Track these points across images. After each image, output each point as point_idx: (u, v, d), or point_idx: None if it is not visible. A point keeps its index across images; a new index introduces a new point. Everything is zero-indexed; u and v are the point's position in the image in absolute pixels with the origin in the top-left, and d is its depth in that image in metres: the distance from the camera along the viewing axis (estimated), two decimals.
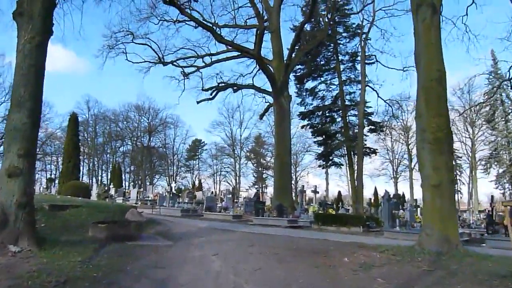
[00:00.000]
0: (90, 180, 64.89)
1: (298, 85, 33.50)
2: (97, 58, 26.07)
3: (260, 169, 68.91)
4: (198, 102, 26.19)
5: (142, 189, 33.86)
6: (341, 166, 34.55)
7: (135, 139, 71.08)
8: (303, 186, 19.38)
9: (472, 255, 8.45)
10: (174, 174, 74.56)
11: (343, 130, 31.03)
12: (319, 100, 33.15)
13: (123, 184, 67.23)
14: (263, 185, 69.41)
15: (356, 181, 26.77)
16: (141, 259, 7.82)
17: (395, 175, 63.83)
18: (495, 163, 45.82)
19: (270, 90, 25.37)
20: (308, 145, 61.24)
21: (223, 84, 25.97)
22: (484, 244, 12.46)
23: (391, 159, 63.07)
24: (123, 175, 72.26)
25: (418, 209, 18.95)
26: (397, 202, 16.71)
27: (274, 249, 9.24)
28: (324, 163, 33.78)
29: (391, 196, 42.47)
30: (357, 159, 27.01)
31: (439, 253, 8.43)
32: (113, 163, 57.91)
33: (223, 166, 72.63)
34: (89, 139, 68.95)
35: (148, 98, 77.21)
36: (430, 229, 9.23)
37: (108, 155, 71.79)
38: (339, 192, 47.42)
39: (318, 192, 20.88)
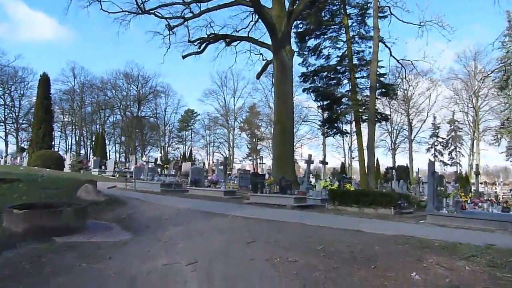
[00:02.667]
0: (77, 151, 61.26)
1: (299, 43, 29.36)
2: None
3: (254, 140, 65.62)
4: (184, 57, 22.16)
5: (121, 160, 30.12)
6: (347, 134, 30.97)
7: (124, 108, 67.46)
8: (310, 155, 15.75)
9: None
10: (166, 145, 71.36)
11: (350, 93, 27.22)
12: (324, 60, 29.11)
13: (109, 155, 63.83)
14: (257, 157, 66.49)
15: (367, 151, 23.22)
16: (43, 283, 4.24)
17: (393, 147, 60.85)
18: (509, 133, 42.53)
19: (269, 43, 21.44)
20: (304, 115, 57.79)
21: (213, 35, 21.82)
22: None
23: (390, 129, 59.81)
24: (112, 145, 69.18)
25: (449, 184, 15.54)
26: (441, 176, 13.23)
27: (288, 251, 5.69)
28: (328, 130, 30.14)
29: (392, 168, 39.26)
30: (369, 126, 23.37)
31: None
32: (96, 132, 53.87)
33: (216, 137, 69.64)
34: (76, 108, 65.09)
35: (137, 65, 73.07)
36: None
37: (97, 126, 68.07)
38: (342, 164, 43.93)
39: (327, 163, 17.35)
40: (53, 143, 32.65)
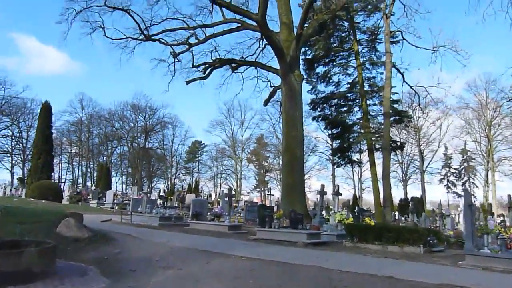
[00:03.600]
0: (83, 184, 60.43)
1: (307, 70, 28.43)
2: (60, 24, 20.75)
3: (262, 171, 64.20)
4: (187, 82, 21.24)
5: (123, 192, 28.91)
6: (359, 164, 29.46)
7: (131, 139, 66.99)
8: (323, 185, 14.36)
9: None
10: (173, 177, 70.19)
11: (362, 120, 25.95)
12: (333, 87, 28.04)
13: (116, 187, 62.82)
14: (265, 188, 64.95)
15: (382, 181, 21.70)
16: None
17: (404, 178, 58.87)
18: None
19: (277, 68, 20.51)
20: (313, 145, 56.48)
21: (218, 60, 20.90)
22: None
23: (400, 160, 57.98)
24: (119, 177, 68.08)
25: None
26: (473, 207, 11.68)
27: None
28: (339, 160, 28.67)
29: (410, 200, 37.36)
30: (383, 154, 21.96)
31: None
32: (100, 163, 52.96)
33: (223, 168, 68.26)
34: (83, 139, 64.72)
35: (145, 96, 72.93)
36: None
37: (104, 157, 67.38)
38: (355, 196, 42.09)
39: (341, 194, 15.86)
40: (52, 173, 31.54)
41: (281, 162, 60.15)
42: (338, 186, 17.41)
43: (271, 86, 24.69)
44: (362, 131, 26.02)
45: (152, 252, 8.10)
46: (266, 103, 23.55)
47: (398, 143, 28.19)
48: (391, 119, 24.99)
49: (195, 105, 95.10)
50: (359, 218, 13.31)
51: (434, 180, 58.31)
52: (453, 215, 21.65)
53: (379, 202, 24.01)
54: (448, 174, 58.66)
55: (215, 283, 5.73)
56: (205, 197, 29.02)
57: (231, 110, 62.56)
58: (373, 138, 25.35)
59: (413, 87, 27.07)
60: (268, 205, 20.61)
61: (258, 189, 65.04)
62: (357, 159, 29.04)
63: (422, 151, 57.10)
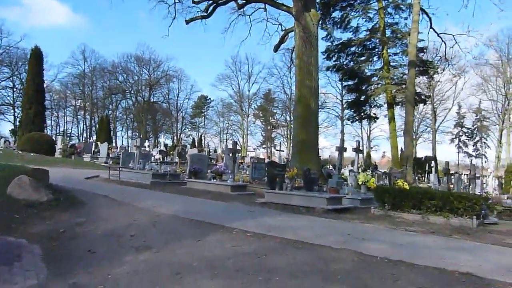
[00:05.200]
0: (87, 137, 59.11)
1: (322, 14, 25.42)
2: None
3: (269, 127, 62.20)
4: (187, 22, 18.52)
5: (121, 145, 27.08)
6: (376, 119, 27.05)
7: (136, 93, 64.93)
8: (342, 140, 12.21)
9: None
10: (179, 132, 68.52)
11: (382, 71, 23.33)
12: (351, 33, 25.12)
13: (122, 141, 61.50)
14: (272, 145, 63.25)
15: (404, 137, 19.53)
16: None
17: (414, 137, 56.46)
18: None
19: (290, 6, 17.79)
20: (322, 101, 53.80)
21: None
22: None
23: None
24: (125, 132, 66.52)
25: None
26: None
27: None
28: (355, 115, 26.29)
29: (432, 158, 35.22)
30: (406, 108, 19.63)
31: None
32: (101, 116, 51.11)
33: (230, 124, 66.24)
34: (87, 92, 62.65)
35: (149, 48, 69.84)
36: None
37: (109, 111, 65.58)
38: (368, 154, 39.82)
39: (361, 151, 13.76)
40: (45, 125, 29.64)
41: (289, 118, 58.46)
42: (359, 141, 15.21)
43: (282, 30, 21.97)
44: (382, 82, 23.47)
45: (128, 222, 6.13)
46: (276, 48, 20.92)
47: (423, 96, 25.61)
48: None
49: (200, 58, 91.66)
50: (390, 180, 11.25)
51: (445, 139, 56.32)
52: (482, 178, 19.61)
53: (398, 161, 21.95)
54: (460, 134, 56.49)
55: (205, 280, 3.74)
56: (208, 152, 27.04)
57: (238, 64, 59.75)
58: (393, 91, 22.84)
59: (440, 35, 24.17)
60: (277, 162, 18.62)
61: (264, 146, 63.42)
62: (374, 113, 26.58)
63: (435, 108, 54.31)
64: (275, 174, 10.63)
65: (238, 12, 21.77)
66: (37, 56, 26.14)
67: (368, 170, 13.76)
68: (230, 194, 10.80)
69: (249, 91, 61.71)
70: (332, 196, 9.32)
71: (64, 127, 63.49)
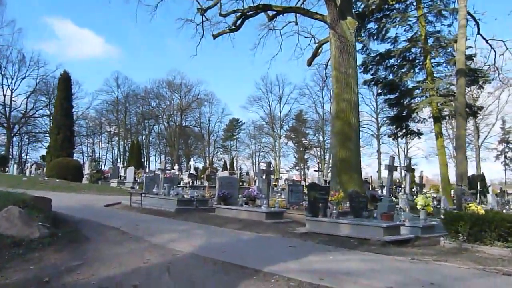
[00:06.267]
0: (118, 163, 59.59)
1: (358, 26, 24.00)
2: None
3: (302, 149, 60.67)
4: (215, 37, 17.58)
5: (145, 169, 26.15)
6: (421, 135, 24.90)
7: (168, 118, 65.57)
8: (392, 157, 10.55)
9: None
10: (211, 155, 68.10)
11: (426, 82, 21.38)
12: (389, 43, 23.43)
13: (154, 166, 61.51)
14: (305, 166, 61.44)
15: (456, 154, 17.43)
16: None
17: (455, 154, 52.89)
18: None
19: (324, 14, 16.50)
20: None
21: (251, 7, 16.95)
22: None
23: (452, 135, 52.09)
24: (158, 157, 66.80)
25: None
26: None
27: None
28: (396, 131, 24.29)
29: (481, 178, 32.34)
30: (457, 121, 17.61)
31: None
32: (133, 141, 51.25)
33: (262, 146, 65.20)
34: (120, 118, 63.79)
35: (180, 73, 70.59)
36: None
37: (142, 137, 66.49)
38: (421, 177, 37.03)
39: (414, 170, 11.96)
40: (73, 150, 29.30)
41: (322, 138, 56.55)
42: (410, 158, 13.39)
43: (315, 43, 20.65)
44: (426, 95, 21.51)
45: (135, 265, 4.73)
46: (310, 62, 19.56)
47: (474, 108, 23.30)
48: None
49: (229, 78, 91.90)
50: (460, 203, 9.38)
51: (490, 157, 52.71)
52: None
53: (448, 181, 19.68)
54: (506, 150, 52.71)
55: None
56: (240, 175, 25.67)
57: (269, 85, 59.19)
58: (440, 103, 20.80)
59: (488, 41, 22.08)
60: (323, 184, 16.91)
61: (297, 167, 61.67)
62: (418, 129, 24.46)
63: (477, 124, 50.89)
64: (317, 198, 9.02)
65: (269, 27, 20.71)
66: (65, 80, 26.02)
67: (429, 192, 11.86)
68: (264, 222, 9.28)
69: (280, 112, 60.74)
70: (389, 225, 7.62)
71: (99, 153, 64.67)
